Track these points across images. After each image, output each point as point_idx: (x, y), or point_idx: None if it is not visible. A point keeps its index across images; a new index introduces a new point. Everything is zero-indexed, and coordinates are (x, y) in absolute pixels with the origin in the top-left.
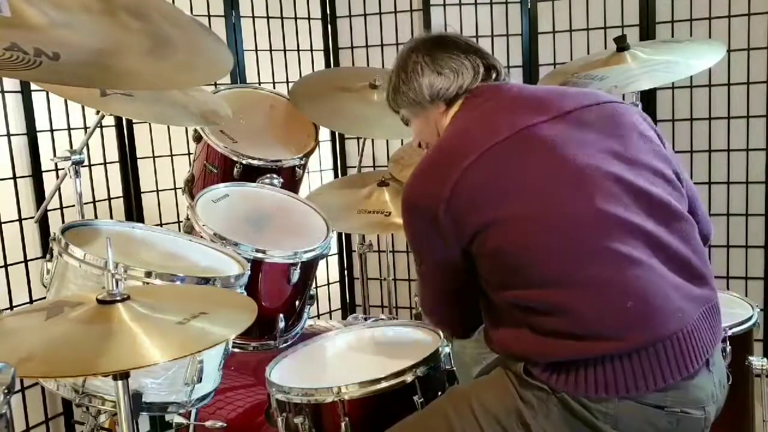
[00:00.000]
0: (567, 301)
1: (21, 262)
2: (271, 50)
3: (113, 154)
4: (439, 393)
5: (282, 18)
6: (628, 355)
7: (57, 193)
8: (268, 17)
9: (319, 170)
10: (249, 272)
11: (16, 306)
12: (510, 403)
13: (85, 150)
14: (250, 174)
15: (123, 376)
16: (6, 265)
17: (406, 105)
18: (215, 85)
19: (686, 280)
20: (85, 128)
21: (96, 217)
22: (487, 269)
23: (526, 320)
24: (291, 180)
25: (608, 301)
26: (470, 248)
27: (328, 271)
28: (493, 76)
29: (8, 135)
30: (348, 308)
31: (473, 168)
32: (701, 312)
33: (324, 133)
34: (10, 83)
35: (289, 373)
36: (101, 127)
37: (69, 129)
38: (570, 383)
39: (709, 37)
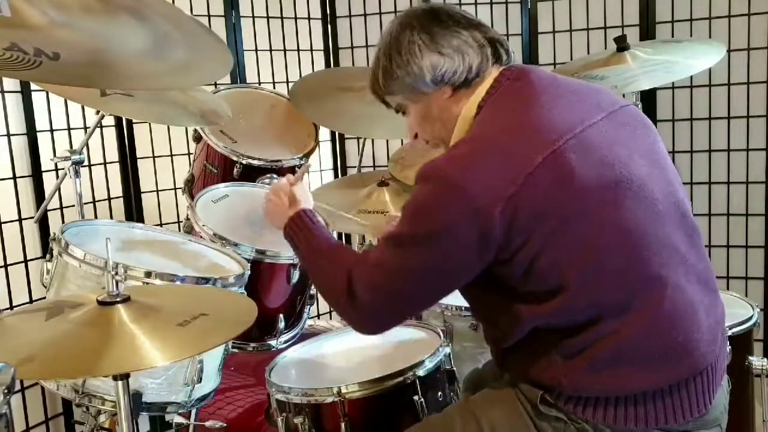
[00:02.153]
0: (617, 327)
1: (21, 262)
2: (271, 50)
3: (113, 154)
4: (439, 393)
5: (282, 18)
6: (661, 391)
7: (57, 193)
8: (268, 17)
9: (319, 170)
10: (249, 272)
11: (16, 306)
12: (523, 431)
13: (85, 150)
14: (250, 174)
15: (123, 376)
16: (6, 265)
17: (402, 91)
18: (215, 85)
19: (711, 301)
20: (85, 128)
21: (96, 217)
22: (527, 285)
23: (559, 344)
24: None
25: (659, 333)
26: (510, 260)
27: None
28: (503, 53)
29: (8, 135)
30: None
31: (544, 166)
32: (721, 336)
33: (324, 133)
34: (10, 83)
35: (289, 373)
36: (101, 127)
37: (69, 129)
38: (598, 415)
39: (709, 37)
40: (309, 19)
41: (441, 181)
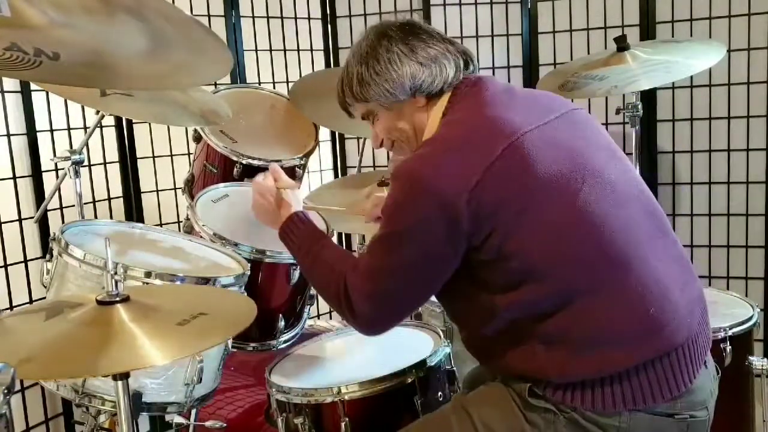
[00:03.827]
0: (590, 307)
1: (21, 262)
2: (271, 50)
3: (113, 154)
4: (439, 393)
5: (282, 18)
6: (644, 366)
7: (57, 193)
8: (268, 17)
9: (319, 170)
10: (249, 272)
11: (16, 306)
12: (515, 424)
13: (85, 150)
14: (250, 174)
15: (123, 376)
16: (6, 265)
17: (378, 98)
18: (215, 85)
19: (686, 279)
20: (85, 128)
21: (96, 217)
22: (497, 273)
23: (537, 332)
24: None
25: (631, 308)
26: (481, 247)
27: None
28: (471, 65)
29: (8, 135)
30: None
31: (503, 157)
32: (700, 313)
33: (324, 133)
34: (10, 83)
35: (289, 373)
36: (101, 127)
37: (69, 129)
38: (586, 400)
39: (709, 37)
40: (309, 19)
41: (409, 179)
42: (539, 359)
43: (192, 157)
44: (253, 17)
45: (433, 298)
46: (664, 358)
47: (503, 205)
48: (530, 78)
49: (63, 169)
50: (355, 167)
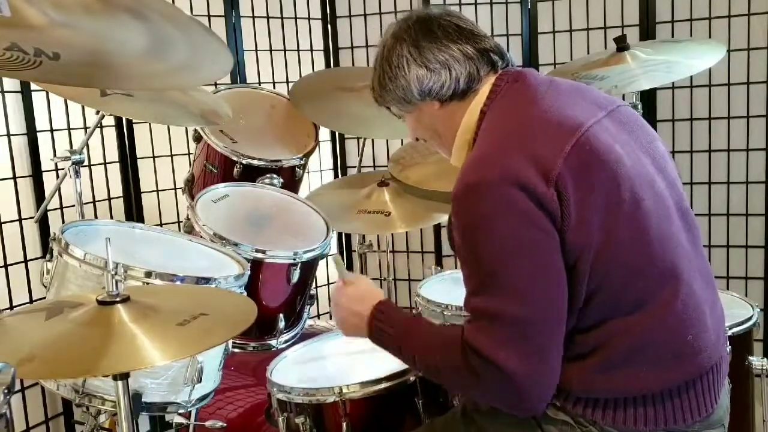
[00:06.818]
0: (630, 326)
1: (21, 262)
2: (271, 50)
3: (113, 154)
4: (440, 394)
5: (282, 18)
6: (670, 391)
7: (57, 193)
8: (268, 17)
9: (319, 170)
10: (249, 272)
11: (16, 306)
12: None
13: (85, 150)
14: (250, 174)
15: (123, 376)
16: (6, 265)
17: (394, 101)
18: (215, 85)
19: (713, 299)
20: (85, 128)
21: (96, 217)
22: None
23: (570, 344)
24: (291, 180)
25: (671, 332)
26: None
27: (328, 271)
28: (497, 60)
29: (8, 135)
30: None
31: (573, 154)
32: (723, 334)
33: (324, 133)
34: (10, 83)
35: (290, 373)
36: (101, 127)
37: (69, 129)
38: (607, 417)
39: (709, 37)
40: (309, 19)
41: (475, 183)
42: (567, 372)
43: (192, 157)
44: (253, 17)
45: (432, 297)
46: (689, 383)
47: (576, 202)
48: None
49: (63, 169)
50: (355, 167)
